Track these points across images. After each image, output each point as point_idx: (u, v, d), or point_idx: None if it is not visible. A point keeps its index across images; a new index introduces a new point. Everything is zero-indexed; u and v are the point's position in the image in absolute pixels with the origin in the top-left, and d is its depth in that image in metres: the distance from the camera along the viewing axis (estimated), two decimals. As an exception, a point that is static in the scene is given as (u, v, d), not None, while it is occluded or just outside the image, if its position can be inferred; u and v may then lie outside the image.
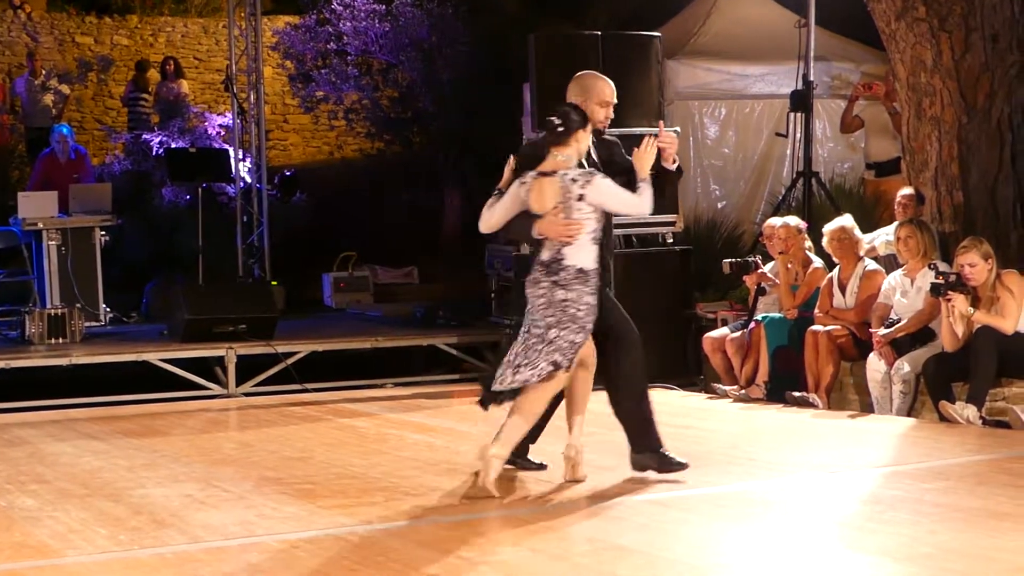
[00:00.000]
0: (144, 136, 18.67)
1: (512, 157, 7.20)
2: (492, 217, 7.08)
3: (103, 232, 13.46)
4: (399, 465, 7.82)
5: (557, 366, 6.83)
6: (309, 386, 11.69)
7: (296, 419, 10.00)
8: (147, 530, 6.27)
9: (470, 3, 18.39)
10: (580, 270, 6.83)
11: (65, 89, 19.29)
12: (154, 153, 18.20)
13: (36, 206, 13.20)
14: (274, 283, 15.10)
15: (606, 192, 6.89)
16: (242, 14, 16.49)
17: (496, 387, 6.87)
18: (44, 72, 18.99)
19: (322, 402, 10.90)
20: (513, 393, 6.85)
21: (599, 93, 7.29)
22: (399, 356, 12.52)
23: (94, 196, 13.89)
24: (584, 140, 6.97)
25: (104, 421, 10.02)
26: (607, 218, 7.08)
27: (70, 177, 14.66)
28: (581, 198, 6.82)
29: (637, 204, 7.04)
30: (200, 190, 15.12)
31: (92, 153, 18.03)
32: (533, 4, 17.85)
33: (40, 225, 13.09)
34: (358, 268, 16.38)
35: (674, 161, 7.39)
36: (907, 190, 10.86)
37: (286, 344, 12.03)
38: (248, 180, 16.24)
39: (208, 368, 11.76)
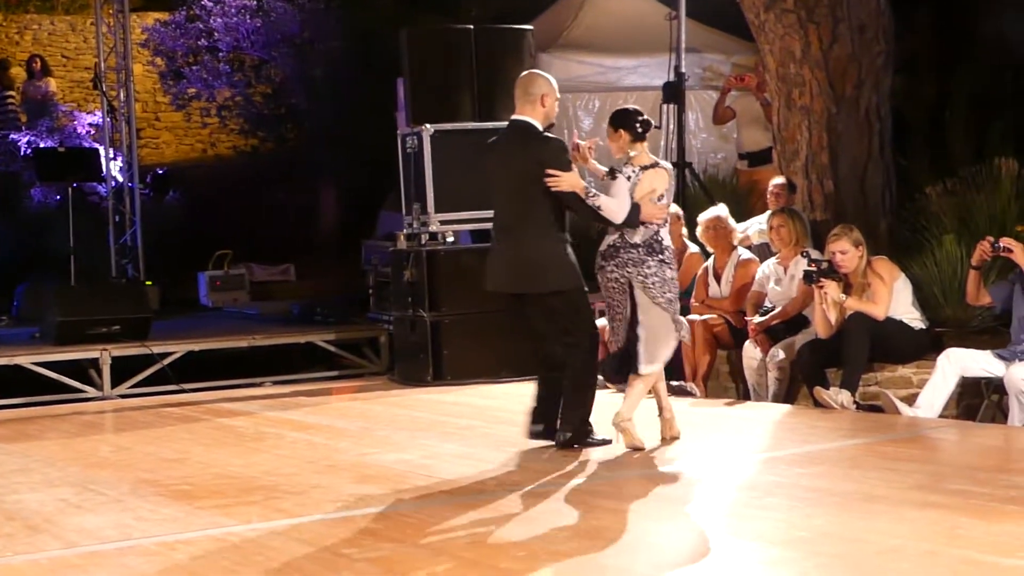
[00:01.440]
0: (11, 136, 18.32)
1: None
2: (621, 208, 7.50)
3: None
4: (278, 464, 7.77)
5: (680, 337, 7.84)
6: (186, 386, 11.56)
7: (173, 420, 9.88)
8: (21, 536, 6.17)
9: (344, -1, 18.33)
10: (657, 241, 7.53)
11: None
12: (22, 153, 17.87)
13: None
14: (148, 283, 14.91)
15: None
16: (110, 11, 16.26)
17: (643, 369, 7.52)
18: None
19: (200, 402, 10.78)
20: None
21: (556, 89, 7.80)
22: (277, 354, 12.43)
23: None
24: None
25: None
26: None
27: (-64, 179, 14.38)
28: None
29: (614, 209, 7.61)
30: (70, 190, 14.89)
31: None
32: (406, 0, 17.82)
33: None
34: (234, 266, 16.24)
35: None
36: (779, 179, 11.01)
37: (161, 344, 11.88)
38: (120, 179, 16.01)
39: (82, 370, 11.58)
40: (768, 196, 11.03)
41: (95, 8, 16.67)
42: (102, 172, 15.85)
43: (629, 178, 7.55)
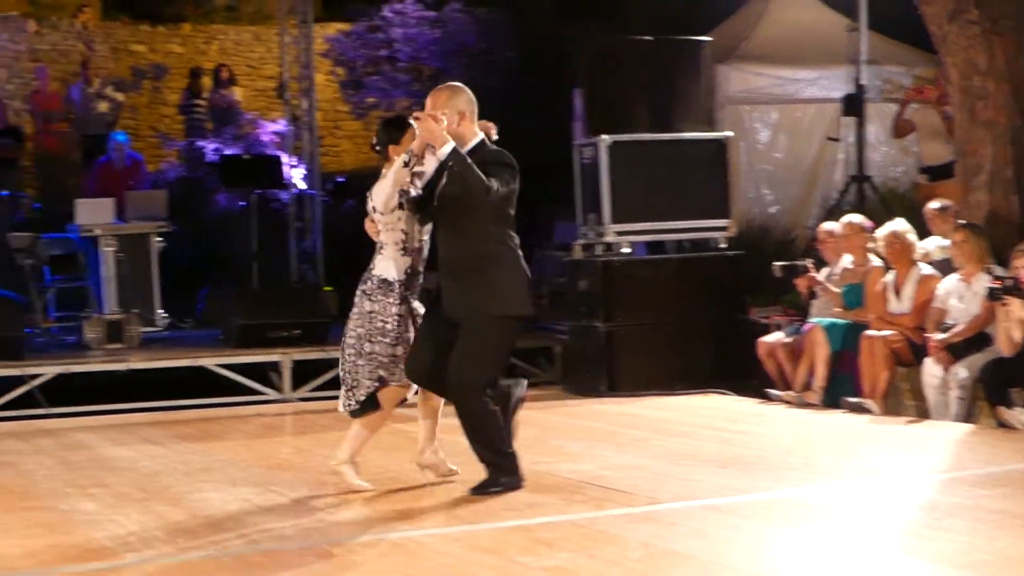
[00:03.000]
0: (198, 143, 18.78)
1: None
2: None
3: (159, 238, 13.57)
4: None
5: (383, 382, 7.12)
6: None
7: (351, 424, 10.02)
8: (205, 533, 6.34)
9: (516, 9, 18.41)
10: (384, 281, 7.07)
11: (120, 97, 19.45)
12: (208, 160, 18.31)
13: (93, 213, 13.32)
14: (327, 288, 15.14)
15: (377, 195, 7.06)
16: (294, 21, 16.58)
17: (345, 412, 7.25)
18: (99, 80, 19.15)
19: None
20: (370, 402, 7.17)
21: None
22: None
23: (150, 203, 14.01)
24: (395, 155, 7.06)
25: (162, 426, 10.12)
26: (417, 228, 7.12)
27: (126, 184, 14.80)
28: (374, 209, 7.13)
29: (384, 185, 7.04)
30: (254, 196, 15.22)
31: (147, 160, 18.16)
32: (578, 9, 17.86)
33: (97, 231, 13.21)
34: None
35: (442, 147, 6.83)
36: (935, 203, 10.79)
37: (339, 349, 12.04)
38: (301, 186, 16.31)
39: (263, 373, 11.83)
40: (929, 218, 10.80)
41: (279, 19, 17.03)
42: (284, 179, 16.17)
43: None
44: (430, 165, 6.86)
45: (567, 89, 12.81)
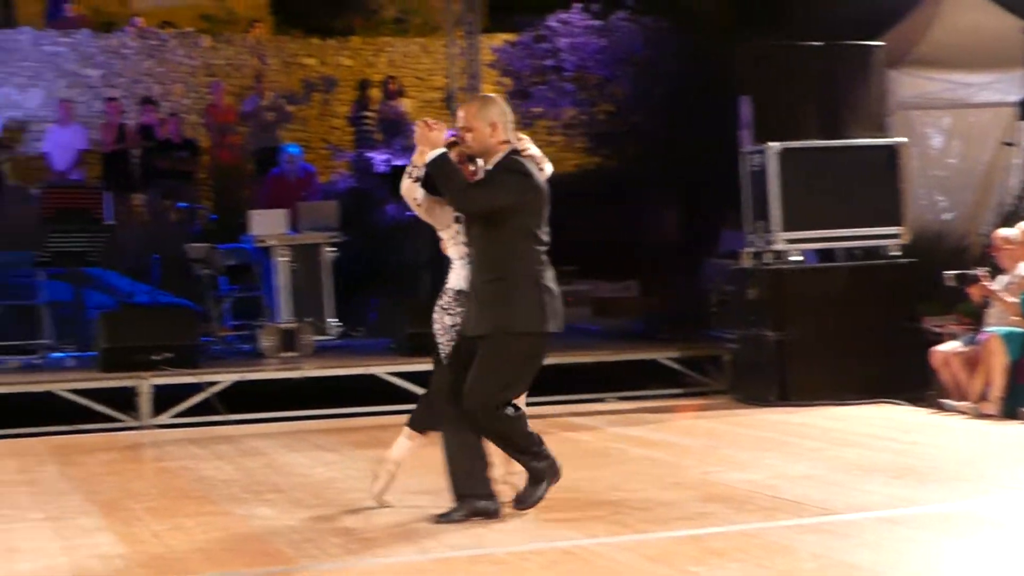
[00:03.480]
0: (367, 154, 19.06)
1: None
2: None
3: (330, 248, 13.79)
4: (623, 479, 7.86)
5: None
6: (531, 399, 11.75)
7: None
8: (378, 540, 6.44)
9: (683, 16, 18.34)
10: (460, 291, 7.05)
11: (291, 109, 19.85)
12: (377, 171, 18.56)
13: (267, 224, 13.58)
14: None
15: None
16: (461, 33, 16.75)
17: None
18: (272, 93, 19.56)
19: (545, 416, 10.95)
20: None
21: None
22: (620, 370, 12.54)
23: (321, 213, 14.24)
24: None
25: (335, 433, 10.29)
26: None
27: (298, 195, 15.08)
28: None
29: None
30: (422, 206, 15.35)
31: (318, 171, 18.49)
32: (745, 15, 17.73)
33: (271, 242, 13.47)
34: (577, 283, 16.44)
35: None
36: (1004, 231, 10.50)
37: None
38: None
39: (432, 381, 11.94)
40: (995, 251, 10.51)
41: (447, 30, 17.21)
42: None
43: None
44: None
45: (734, 96, 12.73)
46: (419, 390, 11.73)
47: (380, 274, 16.20)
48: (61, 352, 12.75)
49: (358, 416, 11.24)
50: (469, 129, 6.83)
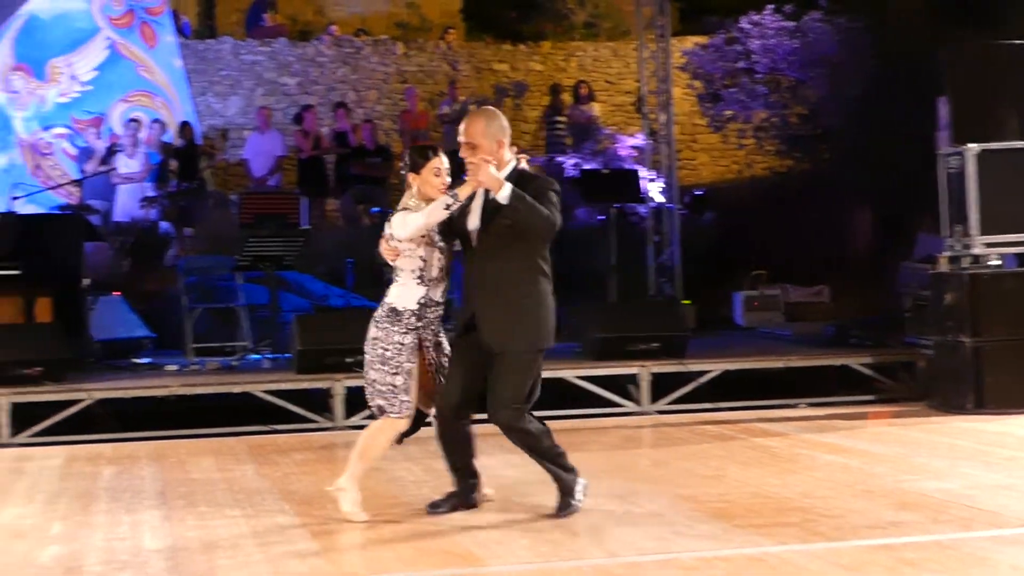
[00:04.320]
0: (558, 158, 19.15)
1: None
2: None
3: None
4: (814, 486, 7.75)
5: (381, 411, 7.02)
6: (721, 405, 11.70)
7: (709, 437, 10.04)
8: (566, 543, 6.46)
9: (879, 16, 18.03)
10: (392, 309, 6.97)
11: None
12: (567, 175, 18.63)
13: (457, 227, 13.70)
14: (685, 302, 15.20)
15: (399, 222, 6.90)
16: (651, 36, 16.71)
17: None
18: (463, 99, 19.77)
19: (734, 421, 10.89)
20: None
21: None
22: (812, 376, 12.37)
23: (511, 217, 14.31)
24: (424, 184, 6.95)
25: (522, 436, 10.31)
26: (437, 257, 6.98)
27: (489, 200, 15.17)
28: (392, 236, 6.94)
29: (415, 218, 6.86)
30: (612, 210, 15.38)
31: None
32: (945, 15, 17.35)
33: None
34: (768, 287, 16.30)
35: (500, 189, 6.77)
36: None
37: (698, 363, 12.09)
38: (659, 200, 16.41)
39: (622, 385, 11.94)
40: None
41: (638, 34, 17.19)
42: (642, 193, 16.30)
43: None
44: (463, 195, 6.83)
45: (931, 97, 12.47)
46: (607, 394, 11.76)
47: (568, 279, 16.22)
48: (258, 354, 13.06)
49: (546, 419, 11.22)
50: (474, 145, 6.85)
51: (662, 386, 11.92)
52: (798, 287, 16.54)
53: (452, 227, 6.92)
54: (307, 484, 8.39)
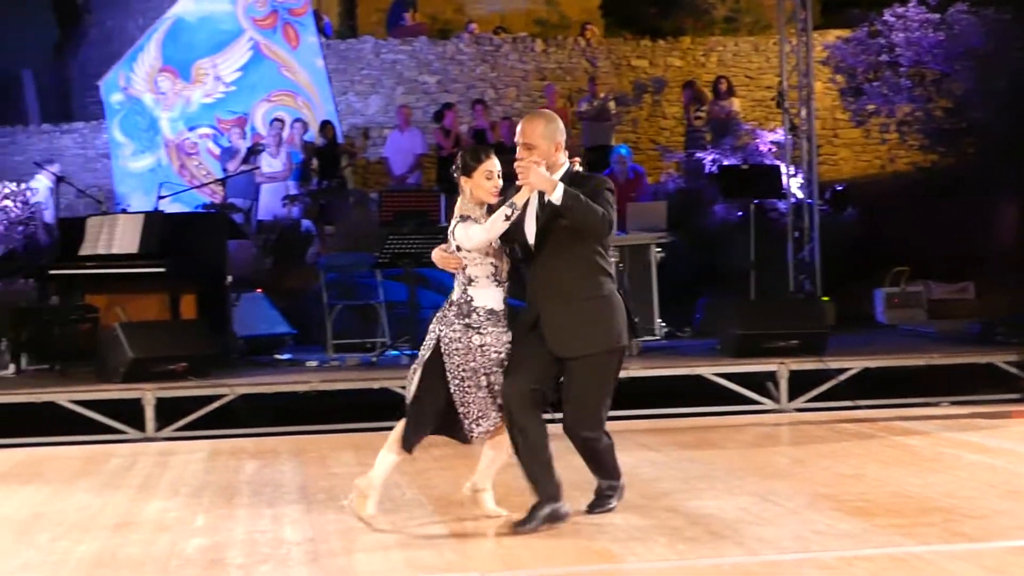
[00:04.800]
0: (697, 155, 19.05)
1: None
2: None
3: (658, 249, 13.83)
4: (957, 486, 7.62)
5: (501, 411, 6.83)
6: (861, 403, 11.55)
7: (848, 436, 9.91)
8: (704, 541, 6.43)
9: (1028, 7, 17.67)
10: (491, 311, 6.78)
11: (621, 110, 20.02)
12: (706, 171, 18.53)
13: (596, 224, 13.71)
14: (825, 299, 15.01)
15: (463, 235, 6.76)
16: (793, 30, 16.54)
17: (479, 437, 6.91)
18: (602, 95, 19.76)
19: (875, 419, 10.74)
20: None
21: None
22: (955, 374, 12.15)
23: (650, 214, 14.31)
24: (476, 188, 6.82)
25: (660, 433, 10.30)
26: (506, 261, 6.85)
27: (628, 196, 15.18)
28: (459, 248, 6.80)
29: (479, 232, 6.72)
30: (752, 206, 15.26)
31: (647, 172, 18.57)
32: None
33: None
34: (911, 284, 16.04)
35: (553, 190, 6.65)
36: None
37: (837, 360, 11.95)
38: (799, 196, 16.24)
39: (760, 383, 11.84)
40: None
41: (778, 28, 17.03)
42: (783, 189, 16.15)
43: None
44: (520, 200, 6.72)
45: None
46: (747, 392, 11.67)
47: (707, 275, 16.16)
48: (397, 350, 13.18)
49: (683, 417, 11.23)
50: (532, 147, 6.77)
51: (801, 384, 11.80)
52: (941, 284, 16.25)
53: (509, 232, 6.76)
54: (445, 480, 8.45)
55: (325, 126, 18.74)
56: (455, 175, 6.92)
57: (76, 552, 6.68)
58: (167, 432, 11.07)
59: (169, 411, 11.19)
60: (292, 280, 15.93)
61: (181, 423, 11.16)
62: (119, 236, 12.77)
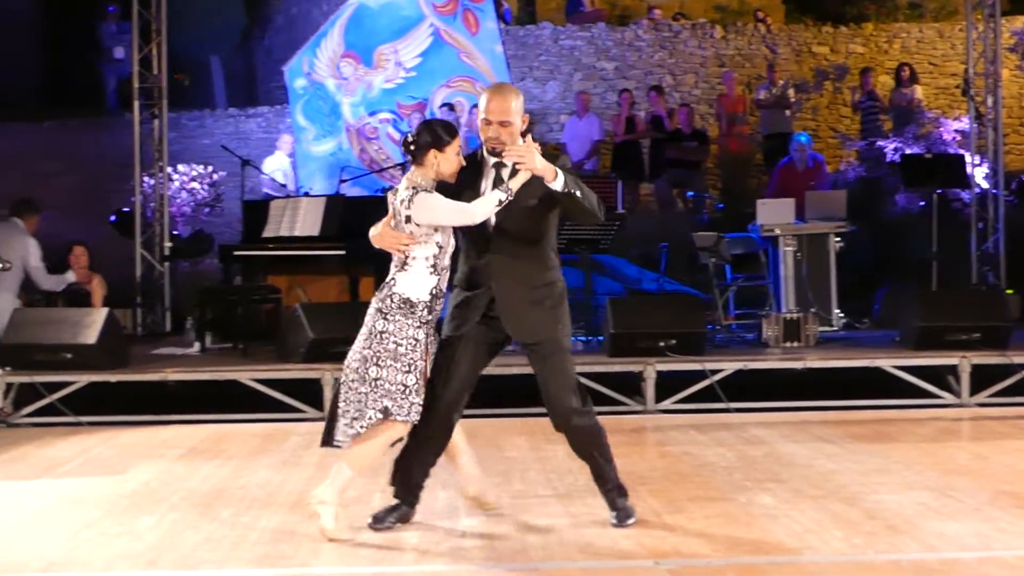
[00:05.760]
0: (878, 143, 18.73)
1: None
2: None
3: (837, 238, 13.65)
4: None
5: (387, 413, 6.29)
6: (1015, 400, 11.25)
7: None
8: (881, 535, 6.34)
9: None
10: (405, 300, 6.32)
11: (801, 97, 19.77)
12: (888, 160, 18.21)
13: (774, 213, 13.60)
14: (1009, 291, 14.65)
15: (430, 206, 6.26)
16: (979, 16, 16.16)
17: (334, 443, 6.39)
18: (781, 82, 19.54)
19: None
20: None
21: (482, 108, 6.47)
22: None
23: (829, 203, 14.11)
24: (445, 162, 6.34)
25: (836, 425, 10.17)
26: (451, 244, 6.43)
27: (807, 184, 15.00)
28: (408, 220, 6.30)
29: (465, 210, 6.25)
30: (934, 196, 14.96)
31: (827, 160, 18.32)
32: None
33: (777, 231, 13.48)
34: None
35: (555, 176, 6.29)
36: None
37: (1022, 355, 11.65)
38: (984, 186, 15.88)
39: (940, 376, 11.61)
40: None
41: (965, 14, 16.66)
42: (967, 179, 15.81)
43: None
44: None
45: None
46: (926, 386, 11.44)
47: (887, 266, 15.90)
48: (571, 337, 13.20)
49: (861, 409, 11.06)
50: (508, 124, 6.42)
51: (983, 378, 11.53)
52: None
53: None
54: (618, 466, 8.44)
55: (502, 112, 18.81)
56: (420, 145, 6.36)
57: (256, 527, 6.84)
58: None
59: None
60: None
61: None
62: (301, 219, 13.03)
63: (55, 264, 13.52)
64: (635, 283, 15.25)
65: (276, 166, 18.13)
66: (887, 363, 11.62)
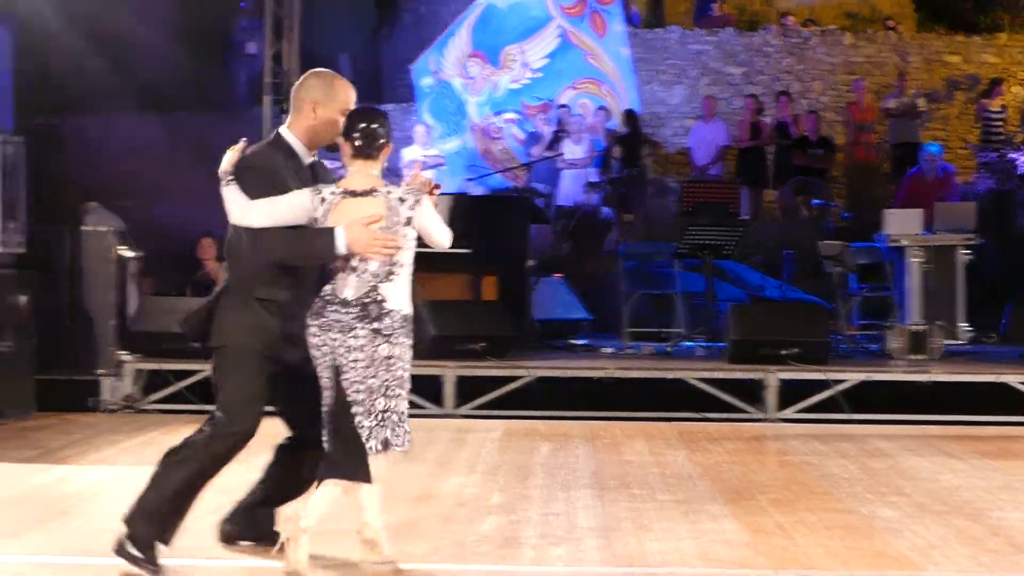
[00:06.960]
0: (1009, 155, 18.42)
1: (243, 141, 5.78)
2: (262, 217, 5.58)
3: (966, 251, 13.43)
4: None
5: (386, 446, 5.54)
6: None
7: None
8: (1007, 554, 6.24)
9: None
10: (405, 317, 5.58)
11: (933, 107, 19.49)
12: (1019, 172, 17.89)
13: (901, 223, 13.41)
14: None
15: (430, 217, 5.65)
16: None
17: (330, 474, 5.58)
18: (911, 92, 19.30)
19: None
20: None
21: (344, 100, 5.77)
22: None
23: (958, 214, 13.89)
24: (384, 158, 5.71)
25: (961, 440, 10.02)
26: None
27: (936, 195, 14.79)
28: (409, 222, 5.60)
29: (448, 237, 5.72)
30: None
31: (957, 171, 18.05)
32: None
33: (904, 242, 13.30)
34: None
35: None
36: None
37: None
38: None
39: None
40: None
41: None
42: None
43: (324, 200, 5.55)
44: None
45: None
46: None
47: (1016, 280, 15.62)
48: (692, 342, 13.16)
49: (987, 425, 10.88)
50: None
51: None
52: None
53: None
54: (737, 473, 8.42)
55: (628, 115, 18.81)
56: (386, 137, 5.70)
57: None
58: (464, 410, 11.32)
59: (467, 389, 11.44)
60: (590, 266, 16.06)
61: (478, 401, 11.40)
62: (427, 217, 13.09)
63: (185, 255, 13.75)
64: (758, 290, 15.15)
65: (413, 157, 18.23)
66: (1014, 379, 11.42)
